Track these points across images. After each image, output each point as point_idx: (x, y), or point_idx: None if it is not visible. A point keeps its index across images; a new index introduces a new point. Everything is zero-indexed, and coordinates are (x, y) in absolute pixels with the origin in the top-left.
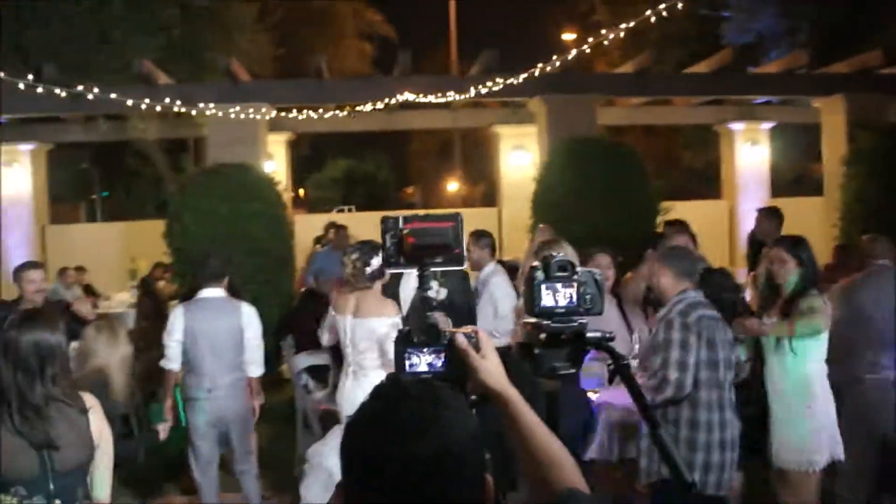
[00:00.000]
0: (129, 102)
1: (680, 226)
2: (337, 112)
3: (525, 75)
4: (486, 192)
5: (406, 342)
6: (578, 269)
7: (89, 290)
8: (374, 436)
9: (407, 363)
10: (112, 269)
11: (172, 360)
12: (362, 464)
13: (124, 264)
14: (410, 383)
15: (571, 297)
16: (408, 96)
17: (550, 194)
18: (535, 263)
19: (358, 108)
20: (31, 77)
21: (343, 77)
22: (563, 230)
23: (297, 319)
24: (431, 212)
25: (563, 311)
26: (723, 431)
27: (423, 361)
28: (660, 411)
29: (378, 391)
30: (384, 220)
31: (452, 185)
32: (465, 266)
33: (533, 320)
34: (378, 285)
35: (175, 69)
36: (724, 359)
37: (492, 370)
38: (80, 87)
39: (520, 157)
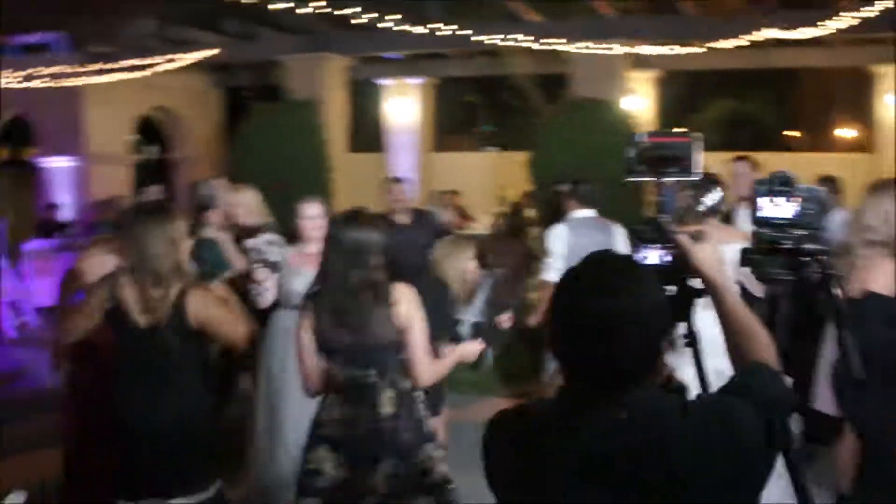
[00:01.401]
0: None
1: None
2: (695, 49)
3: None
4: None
5: (639, 239)
6: (801, 185)
7: (462, 213)
8: (575, 290)
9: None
10: (484, 195)
11: (553, 273)
12: (563, 314)
13: (495, 191)
14: (617, 255)
15: (790, 210)
16: (774, 33)
17: None
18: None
19: (719, 45)
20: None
21: (705, 12)
22: None
23: None
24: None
25: (780, 222)
26: None
27: (651, 256)
28: None
29: (588, 257)
30: (631, 136)
31: (842, 131)
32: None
33: (753, 228)
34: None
35: (541, 6)
36: None
37: (705, 258)
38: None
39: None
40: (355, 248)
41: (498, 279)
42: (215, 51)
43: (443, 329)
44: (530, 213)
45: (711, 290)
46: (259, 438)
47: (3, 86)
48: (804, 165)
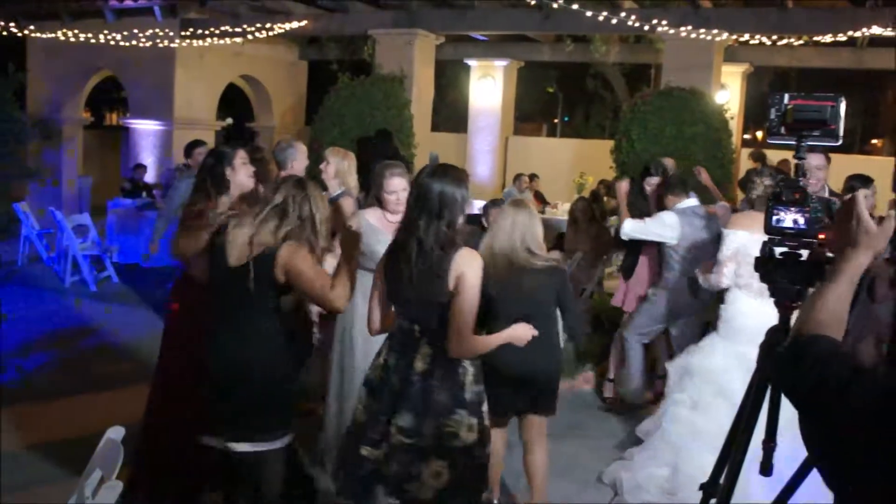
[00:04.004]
0: (589, 14)
1: None
2: (792, 41)
3: None
4: None
5: (776, 200)
6: (813, 196)
7: (539, 197)
8: None
9: (774, 218)
10: (563, 181)
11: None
12: None
13: (574, 178)
14: None
15: (796, 220)
16: (875, 30)
17: None
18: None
19: (818, 39)
20: None
21: (807, 6)
22: None
23: None
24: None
25: (792, 231)
26: None
27: (788, 218)
28: None
29: None
30: (771, 95)
31: None
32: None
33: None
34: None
35: None
36: None
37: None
38: (555, 4)
39: None
40: (438, 199)
41: (574, 264)
42: (305, 22)
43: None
44: (609, 200)
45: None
46: (334, 395)
47: (101, 43)
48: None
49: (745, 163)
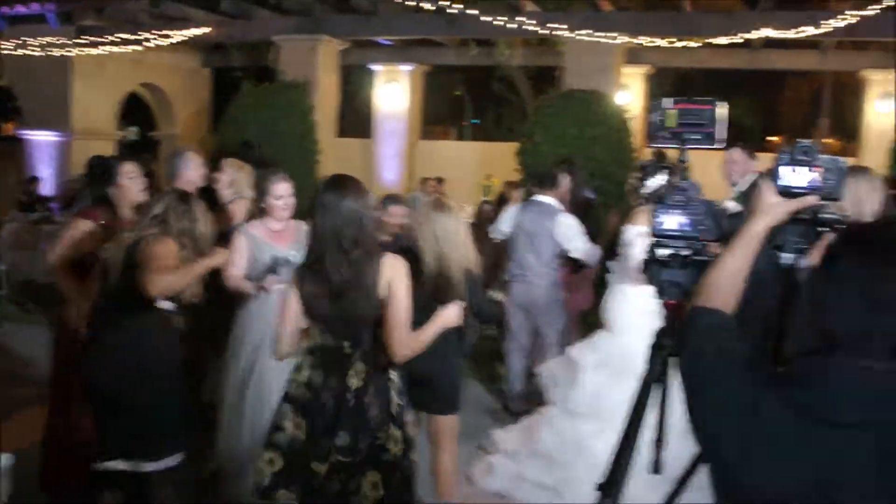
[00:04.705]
0: (490, 19)
1: None
2: (690, 44)
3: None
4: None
5: (660, 202)
6: (823, 155)
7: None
8: None
9: (658, 220)
10: (470, 184)
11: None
12: None
13: (481, 180)
14: None
15: (812, 179)
16: (769, 32)
17: None
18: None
19: (713, 42)
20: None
21: (703, 9)
22: None
23: None
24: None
25: (800, 191)
26: None
27: (671, 221)
28: None
29: None
30: (653, 100)
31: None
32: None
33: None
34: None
35: None
36: None
37: None
38: (455, 8)
39: (887, 105)
40: (347, 213)
41: (480, 267)
42: (207, 29)
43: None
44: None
45: None
46: (228, 412)
47: None
48: None
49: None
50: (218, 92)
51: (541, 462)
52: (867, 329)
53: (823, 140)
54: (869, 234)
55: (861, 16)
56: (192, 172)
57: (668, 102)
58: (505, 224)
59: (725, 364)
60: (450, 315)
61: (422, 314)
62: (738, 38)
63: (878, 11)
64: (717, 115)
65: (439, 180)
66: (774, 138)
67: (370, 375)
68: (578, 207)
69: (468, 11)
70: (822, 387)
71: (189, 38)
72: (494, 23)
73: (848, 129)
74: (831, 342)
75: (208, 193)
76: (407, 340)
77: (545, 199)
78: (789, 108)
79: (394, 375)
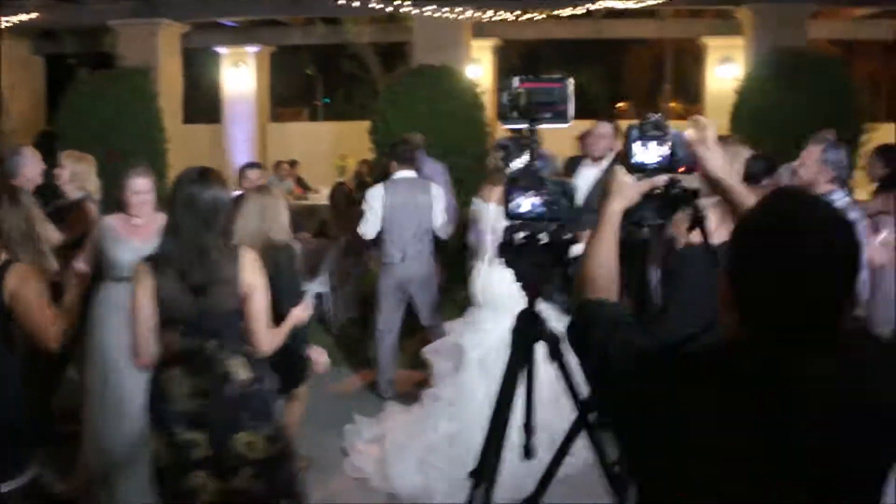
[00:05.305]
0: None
1: None
2: (535, 15)
3: None
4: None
5: (513, 184)
6: (671, 129)
7: (301, 183)
8: (786, 232)
9: (512, 203)
10: (325, 166)
11: (367, 227)
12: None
13: (335, 161)
14: (807, 194)
15: (663, 154)
16: (611, 1)
17: (750, 107)
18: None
19: (557, 13)
20: None
21: None
22: (762, 146)
23: None
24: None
25: (654, 167)
26: None
27: (525, 203)
28: None
29: (782, 198)
30: (502, 80)
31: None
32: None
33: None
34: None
35: None
36: None
37: (716, 160)
38: None
39: (727, 70)
40: (209, 207)
41: (339, 249)
42: (34, 14)
43: (290, 297)
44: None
45: (721, 193)
46: (93, 418)
47: None
48: None
49: (501, 134)
50: (52, 82)
51: (426, 446)
52: None
53: (668, 105)
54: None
55: None
56: (30, 170)
57: (516, 82)
58: (374, 212)
59: (635, 358)
60: (298, 316)
61: None
62: (581, 10)
63: None
64: (567, 92)
65: (292, 163)
66: (621, 104)
67: (254, 363)
68: None
69: None
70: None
71: (15, 23)
72: (340, 1)
73: (690, 94)
74: None
75: (51, 190)
76: (270, 334)
77: (409, 173)
78: (633, 75)
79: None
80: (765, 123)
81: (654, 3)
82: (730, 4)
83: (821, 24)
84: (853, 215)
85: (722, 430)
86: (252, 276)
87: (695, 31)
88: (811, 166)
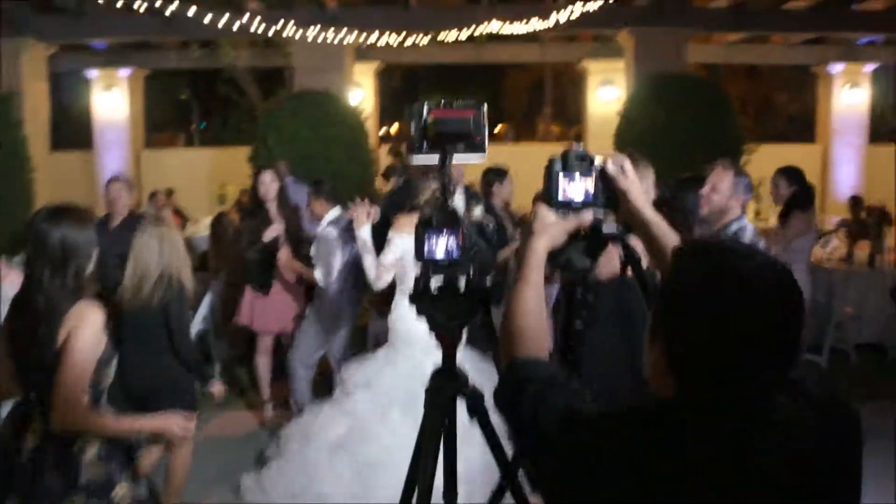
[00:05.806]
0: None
1: None
2: (420, 38)
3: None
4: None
5: (427, 226)
6: (596, 162)
7: (178, 214)
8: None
9: (426, 247)
10: (203, 194)
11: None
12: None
13: (215, 189)
14: (736, 244)
15: (588, 189)
16: (495, 25)
17: (633, 130)
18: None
19: (443, 38)
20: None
21: (430, 4)
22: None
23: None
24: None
25: (580, 204)
26: None
27: (440, 246)
28: None
29: (717, 251)
30: (410, 108)
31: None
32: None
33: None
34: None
35: None
36: None
37: (638, 194)
38: (171, 8)
39: (608, 92)
40: (61, 247)
41: (222, 284)
42: None
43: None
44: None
45: (638, 228)
46: None
47: None
48: (518, 155)
49: (384, 159)
50: None
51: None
52: None
53: (548, 126)
54: None
55: (583, 12)
56: None
57: (425, 109)
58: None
59: (565, 421)
60: (169, 424)
61: None
62: (464, 34)
63: (600, 4)
64: (483, 120)
65: (169, 193)
66: (498, 127)
67: (48, 435)
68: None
69: (187, 14)
70: None
71: None
72: (217, 23)
73: (569, 116)
74: None
75: None
76: (72, 414)
77: (336, 211)
78: (512, 97)
79: (88, 445)
80: (648, 145)
81: (535, 28)
82: (610, 28)
83: (695, 49)
84: (762, 244)
85: (650, 497)
86: (75, 333)
87: (575, 55)
88: (724, 192)
